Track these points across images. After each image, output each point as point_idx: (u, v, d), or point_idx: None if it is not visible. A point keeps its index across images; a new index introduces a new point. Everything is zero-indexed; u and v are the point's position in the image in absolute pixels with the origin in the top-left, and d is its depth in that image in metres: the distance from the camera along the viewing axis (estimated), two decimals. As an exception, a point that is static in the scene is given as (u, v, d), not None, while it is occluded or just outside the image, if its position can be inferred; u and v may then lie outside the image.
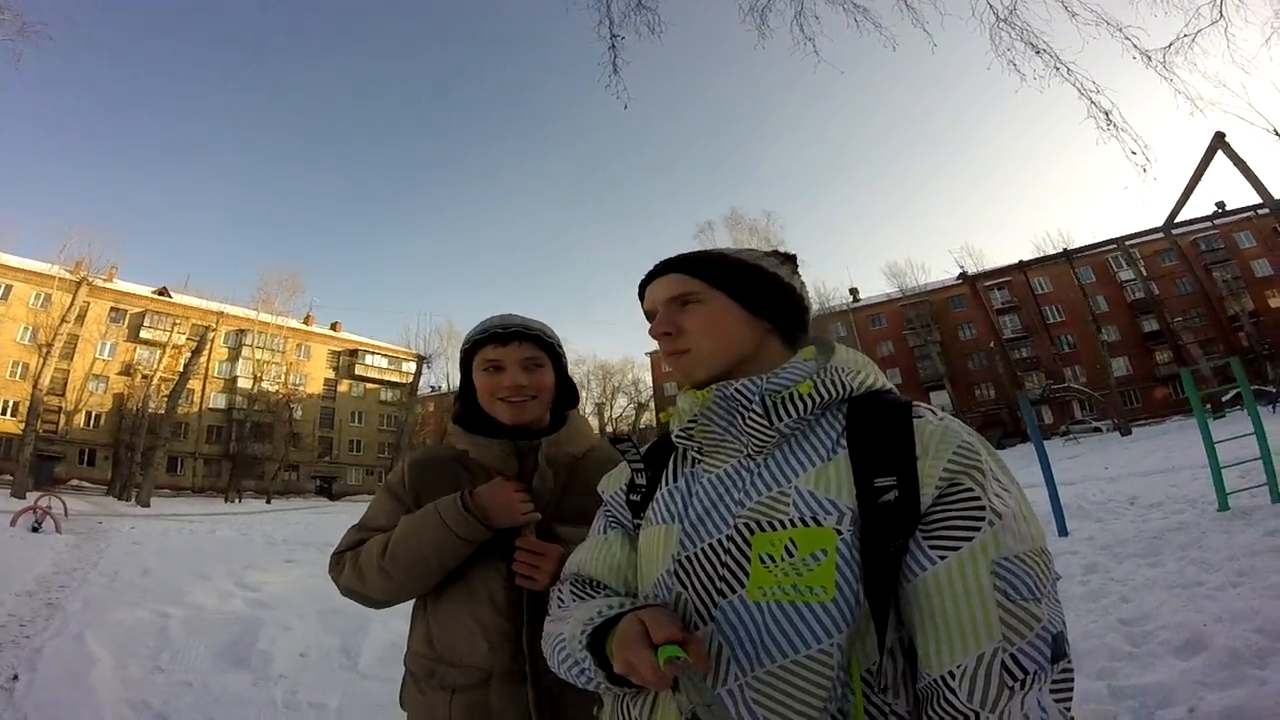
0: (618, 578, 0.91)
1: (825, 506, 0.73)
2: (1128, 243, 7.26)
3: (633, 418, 60.78)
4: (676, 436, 0.89)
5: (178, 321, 45.27)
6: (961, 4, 5.23)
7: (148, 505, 26.54)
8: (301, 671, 3.96)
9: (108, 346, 43.27)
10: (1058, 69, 5.02)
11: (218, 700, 3.55)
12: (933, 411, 0.79)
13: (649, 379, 62.29)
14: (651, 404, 60.82)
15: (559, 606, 0.93)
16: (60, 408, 39.61)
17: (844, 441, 0.78)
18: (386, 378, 56.42)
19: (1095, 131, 5.14)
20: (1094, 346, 41.84)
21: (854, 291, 59.48)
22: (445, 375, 52.69)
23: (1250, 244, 44.19)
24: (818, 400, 0.81)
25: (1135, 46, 4.87)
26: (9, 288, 39.62)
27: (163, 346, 42.86)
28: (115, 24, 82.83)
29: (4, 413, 38.16)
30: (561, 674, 0.83)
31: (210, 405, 46.83)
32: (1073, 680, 0.66)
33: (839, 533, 0.71)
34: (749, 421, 0.81)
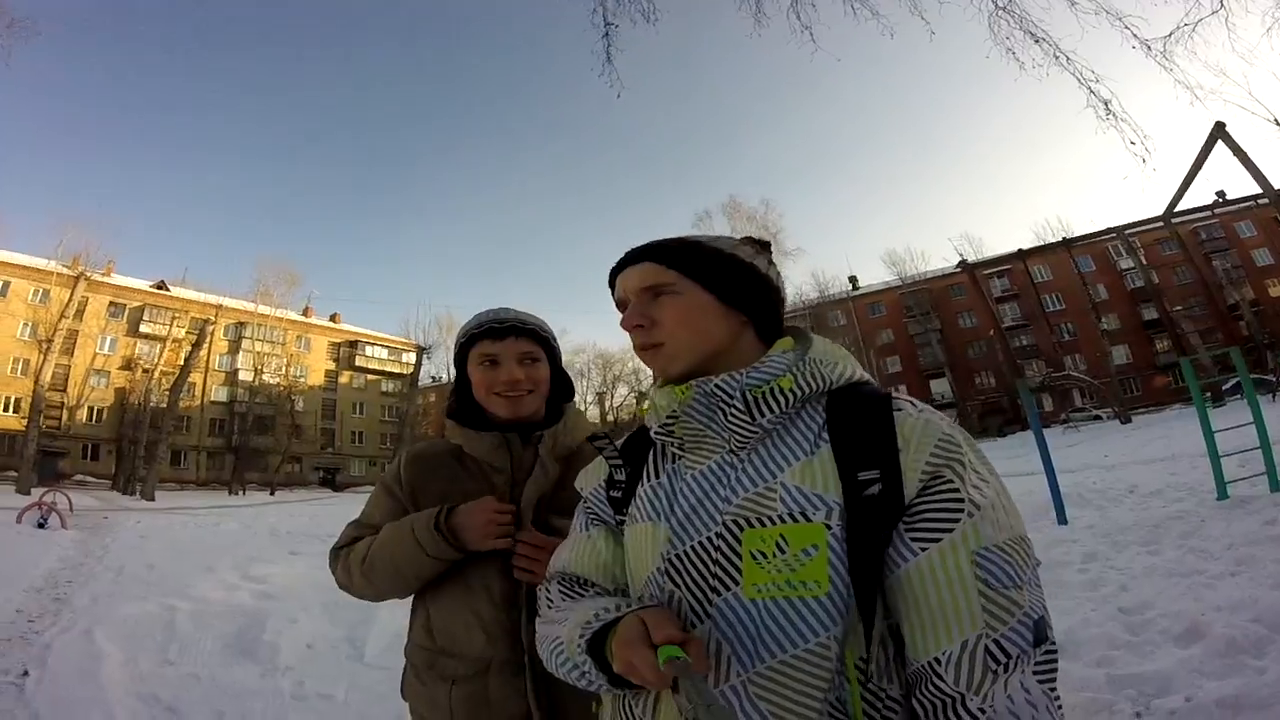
0: (605, 575, 0.91)
1: (813, 501, 0.73)
2: (1127, 232, 7.26)
3: (634, 406, 60.75)
4: (656, 433, 0.88)
5: (177, 315, 45.14)
6: (960, -9, 5.21)
7: (152, 499, 26.62)
8: (308, 663, 3.98)
9: (108, 341, 43.30)
10: (1057, 58, 5.00)
11: (226, 692, 3.57)
12: (911, 403, 0.79)
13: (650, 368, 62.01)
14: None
15: (548, 606, 0.92)
16: (62, 403, 39.67)
17: (826, 435, 0.78)
18: (387, 369, 56.46)
19: (1095, 121, 5.13)
20: (1094, 335, 41.88)
21: (853, 279, 59.22)
22: (445, 366, 51.84)
23: (1251, 233, 44.12)
24: (798, 394, 0.81)
25: (1135, 36, 4.85)
26: (7, 284, 39.61)
27: (163, 340, 42.71)
28: (109, 18, 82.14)
29: (6, 409, 38.24)
30: (560, 676, 0.82)
31: (212, 398, 46.88)
32: (1056, 661, 0.69)
33: (829, 527, 0.72)
34: (731, 418, 0.81)
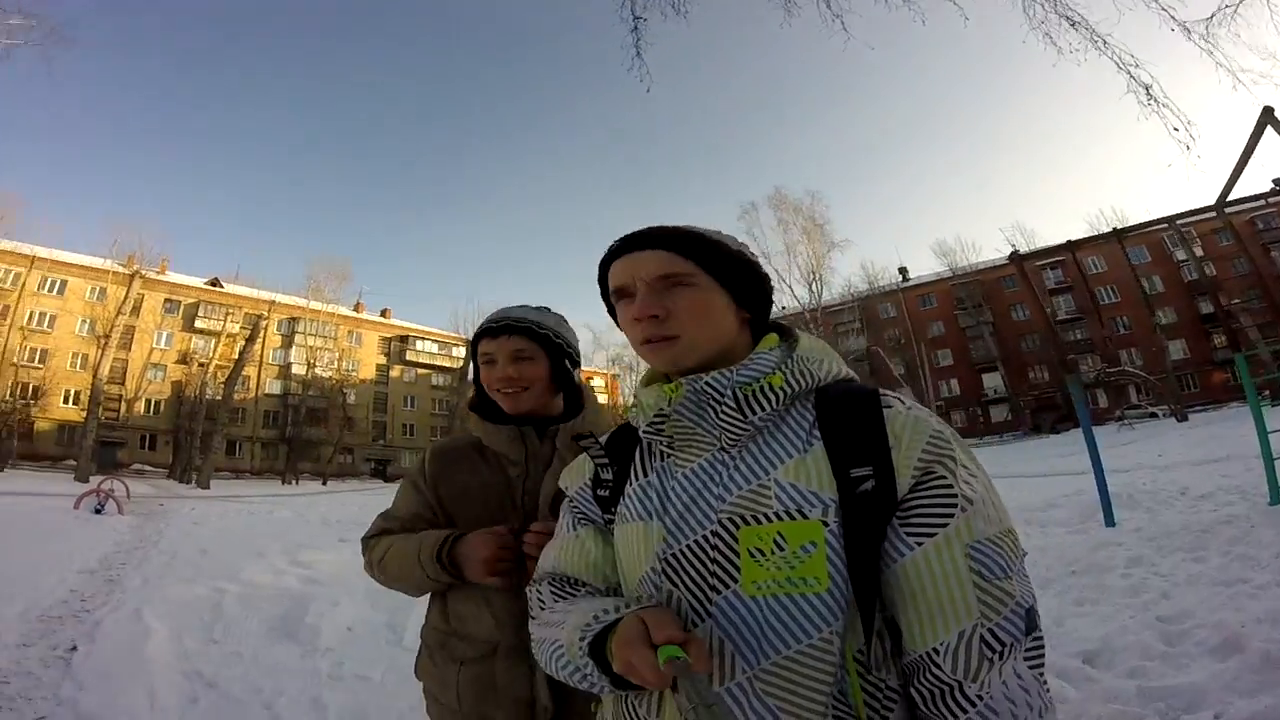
0: (596, 574, 0.91)
1: (809, 499, 0.74)
2: (1179, 222, 6.95)
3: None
4: (645, 431, 0.87)
5: (230, 311, 46.96)
6: (993, -26, 5.08)
7: (207, 487, 27.64)
8: (348, 645, 4.08)
9: (164, 336, 45.27)
10: (1094, 42, 4.81)
11: (266, 670, 3.71)
12: (899, 400, 0.81)
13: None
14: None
15: (540, 607, 0.92)
16: (121, 395, 41.65)
17: (817, 432, 0.79)
18: (437, 363, 57.75)
19: (1137, 107, 4.92)
20: (1150, 328, 40.19)
21: (903, 270, 57.94)
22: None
23: (1311, 222, 41.66)
24: (788, 392, 0.81)
25: (1173, 19, 4.64)
26: (65, 283, 41.67)
27: (217, 335, 44.25)
28: (157, 19, 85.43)
29: (67, 401, 40.16)
30: (561, 678, 0.82)
31: (266, 391, 48.54)
32: (1044, 648, 0.72)
33: (826, 524, 0.73)
34: (722, 416, 0.81)
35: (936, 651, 0.69)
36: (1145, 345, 42.00)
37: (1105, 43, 4.82)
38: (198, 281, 49.18)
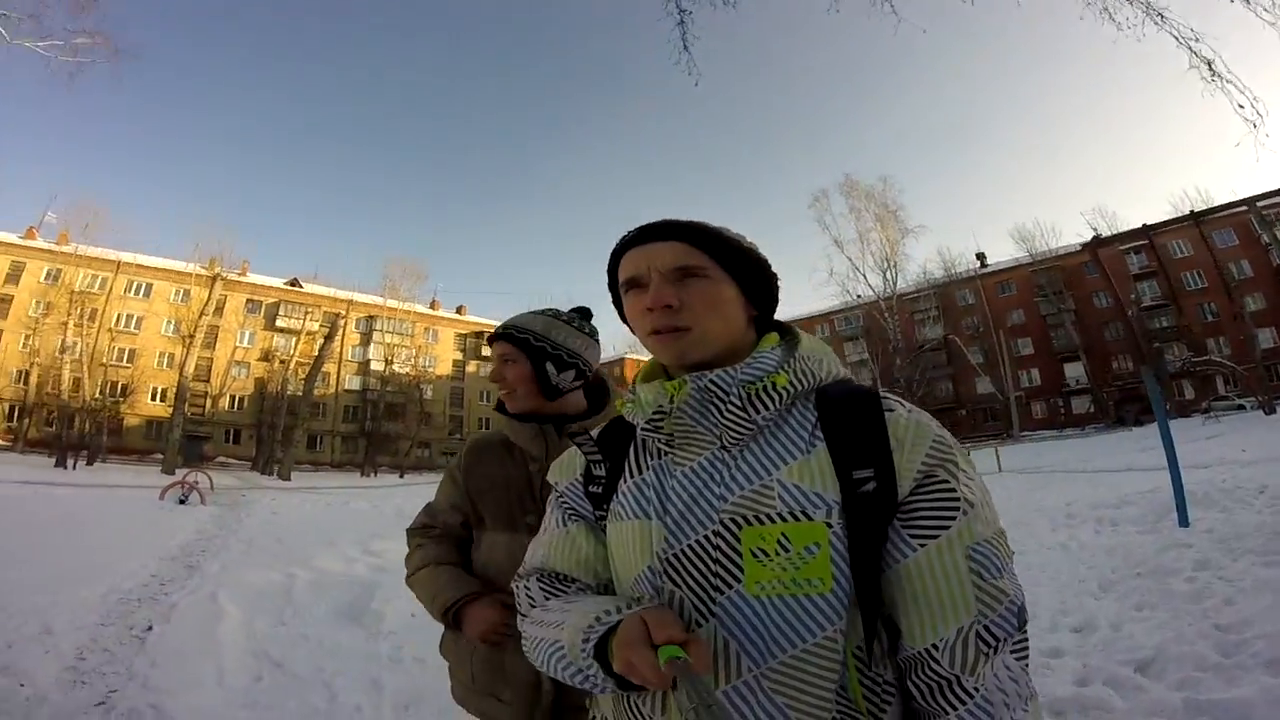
0: (587, 571, 0.91)
1: (813, 500, 0.75)
2: (1260, 204, 6.47)
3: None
4: (643, 429, 0.87)
5: (310, 310, 49.37)
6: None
7: (289, 479, 28.99)
8: (410, 630, 4.16)
9: (246, 335, 47.84)
10: (1150, 15, 4.54)
11: (330, 652, 3.94)
12: (900, 402, 0.82)
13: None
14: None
15: (530, 605, 0.91)
16: (206, 392, 44.22)
17: (820, 433, 0.79)
18: (512, 358, 59.08)
19: (1201, 84, 4.62)
20: (1238, 315, 37.39)
21: (981, 257, 55.42)
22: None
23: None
24: (792, 392, 0.81)
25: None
26: (150, 286, 44.47)
27: (297, 333, 46.62)
28: (242, 31, 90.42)
29: (154, 398, 42.97)
30: (559, 678, 0.81)
31: (346, 387, 50.82)
32: (1028, 641, 0.76)
33: (829, 525, 0.74)
34: (727, 414, 0.81)
35: (936, 648, 0.71)
36: (1233, 333, 39.10)
37: (1163, 17, 4.54)
38: (277, 282, 51.71)
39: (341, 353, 49.51)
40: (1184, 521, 5.99)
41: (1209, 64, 4.58)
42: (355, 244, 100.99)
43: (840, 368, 0.88)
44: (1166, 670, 2.87)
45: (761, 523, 0.75)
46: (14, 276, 40.95)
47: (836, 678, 0.72)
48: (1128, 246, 45.10)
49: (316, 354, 35.27)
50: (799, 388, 0.82)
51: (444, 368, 55.93)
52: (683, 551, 0.79)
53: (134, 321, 43.90)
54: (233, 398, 46.16)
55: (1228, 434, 18.44)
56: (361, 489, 24.21)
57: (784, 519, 0.75)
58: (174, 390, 31.81)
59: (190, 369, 30.53)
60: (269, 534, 9.19)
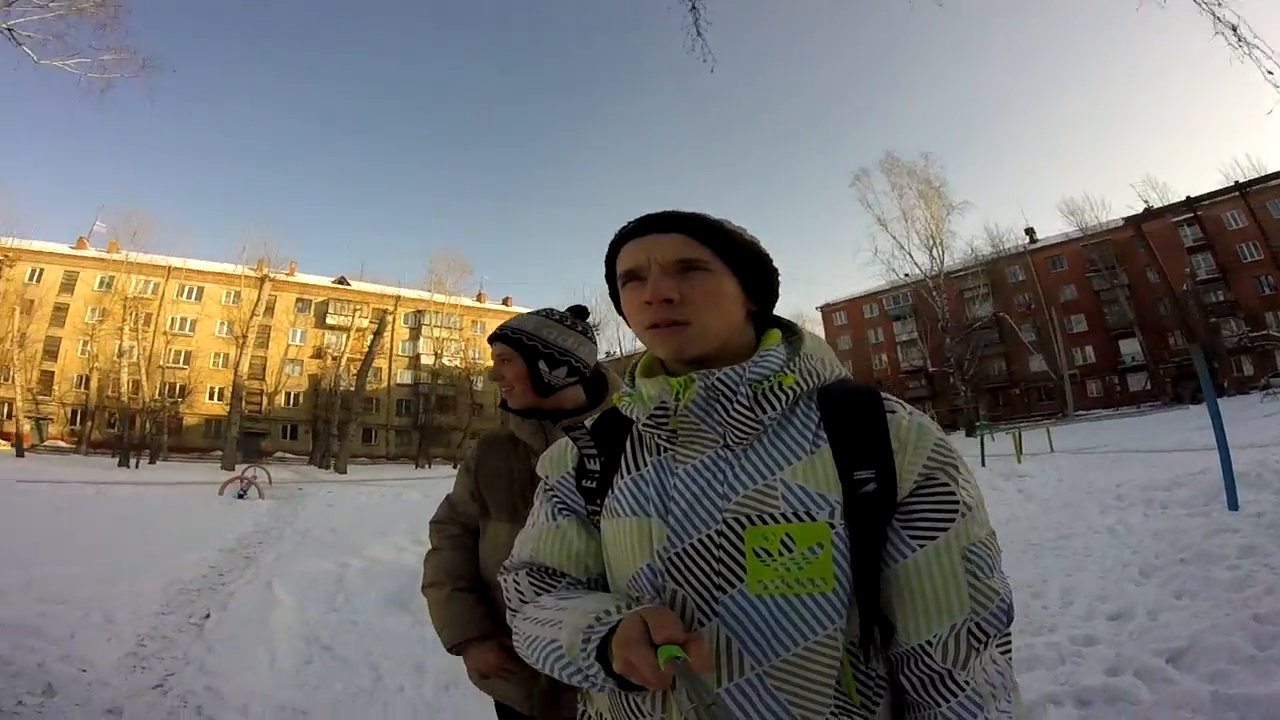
0: (577, 566, 0.90)
1: (816, 501, 0.75)
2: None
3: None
4: (645, 424, 0.85)
5: (358, 307, 50.69)
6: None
7: (344, 472, 29.76)
8: None
9: (298, 333, 49.49)
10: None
11: (378, 637, 4.12)
12: (900, 404, 0.83)
13: (821, 333, 59.14)
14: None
15: (521, 600, 0.91)
16: (262, 390, 45.99)
17: (823, 434, 0.80)
18: (560, 347, 59.80)
19: (1228, 50, 4.40)
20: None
21: (1030, 232, 53.12)
22: (617, 340, 53.74)
23: None
24: (798, 392, 0.81)
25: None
26: (201, 289, 46.24)
27: (347, 330, 48.01)
28: (284, 33, 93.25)
29: (212, 398, 44.86)
30: (555, 676, 0.80)
31: (398, 381, 52.08)
32: (1011, 636, 0.79)
33: (832, 526, 0.75)
34: (734, 413, 0.80)
35: (930, 643, 0.74)
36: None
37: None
38: (325, 281, 53.27)
39: (392, 348, 50.74)
40: (1233, 504, 5.77)
41: (1234, 28, 4.36)
42: (400, 241, 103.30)
43: (840, 367, 0.88)
44: (1199, 662, 2.80)
45: (765, 523, 0.76)
46: (68, 286, 42.94)
47: (835, 674, 0.74)
48: (1179, 219, 42.74)
49: (367, 349, 35.95)
50: (804, 388, 0.82)
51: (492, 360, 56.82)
52: (685, 550, 0.78)
53: (188, 324, 45.76)
54: (288, 394, 47.78)
55: (1290, 411, 17.50)
56: (414, 480, 24.60)
57: (788, 519, 0.75)
58: (230, 389, 33.03)
59: (245, 368, 31.60)
60: (323, 525, 9.51)
